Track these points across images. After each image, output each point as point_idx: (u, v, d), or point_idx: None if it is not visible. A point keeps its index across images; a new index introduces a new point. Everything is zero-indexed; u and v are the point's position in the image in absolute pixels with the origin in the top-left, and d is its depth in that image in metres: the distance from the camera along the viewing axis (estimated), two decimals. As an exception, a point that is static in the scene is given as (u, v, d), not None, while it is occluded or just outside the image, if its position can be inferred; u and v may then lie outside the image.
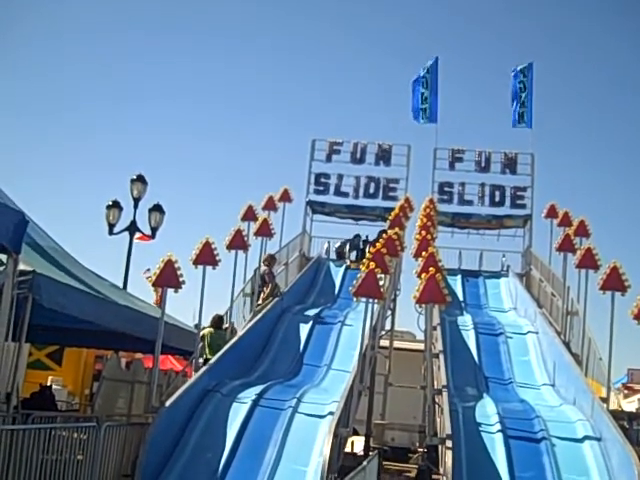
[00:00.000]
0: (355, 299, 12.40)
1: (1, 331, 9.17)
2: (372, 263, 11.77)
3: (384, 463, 19.21)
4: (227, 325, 15.30)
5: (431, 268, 11.73)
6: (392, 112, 49.97)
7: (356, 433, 18.76)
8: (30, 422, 9.46)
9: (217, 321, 15.14)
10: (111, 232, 21.24)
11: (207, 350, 14.53)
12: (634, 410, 17.72)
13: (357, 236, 23.50)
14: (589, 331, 15.00)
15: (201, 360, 13.94)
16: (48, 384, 17.30)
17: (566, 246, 16.31)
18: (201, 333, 14.38)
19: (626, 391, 19.97)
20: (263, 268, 17.32)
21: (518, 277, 21.89)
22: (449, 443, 10.57)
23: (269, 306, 16.86)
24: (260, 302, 17.07)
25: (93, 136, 69.84)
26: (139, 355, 18.84)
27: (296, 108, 78.31)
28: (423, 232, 15.42)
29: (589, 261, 14.46)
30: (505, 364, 16.04)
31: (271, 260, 17.93)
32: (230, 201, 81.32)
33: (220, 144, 76.42)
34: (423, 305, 14.08)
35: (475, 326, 17.57)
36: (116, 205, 21.13)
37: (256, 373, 14.67)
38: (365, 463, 8.32)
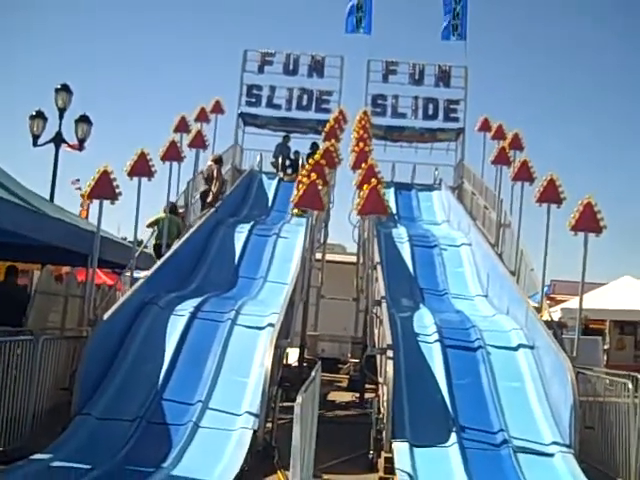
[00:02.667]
0: (294, 212, 12.29)
1: None
2: (313, 174, 11.62)
3: (317, 374, 19.45)
4: (182, 211, 15.76)
5: (372, 180, 11.63)
6: (325, 23, 49.11)
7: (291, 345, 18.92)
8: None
9: (172, 208, 15.68)
10: (35, 144, 20.51)
11: (158, 235, 15.18)
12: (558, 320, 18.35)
13: (286, 137, 23.14)
14: (521, 243, 15.24)
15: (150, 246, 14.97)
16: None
17: (501, 159, 16.39)
18: (154, 218, 15.32)
19: (549, 302, 20.56)
20: (210, 163, 17.83)
21: (451, 190, 22.04)
22: (390, 353, 10.67)
23: (203, 219, 16.67)
24: (209, 200, 17.66)
25: (14, 44, 67.07)
26: (67, 269, 18.44)
27: (228, 16, 76.47)
28: (361, 144, 15.28)
29: (524, 174, 14.57)
30: (440, 276, 16.24)
31: (219, 159, 18.13)
32: (162, 113, 79.69)
33: (151, 53, 74.35)
34: (359, 217, 14.09)
35: (410, 238, 17.68)
36: (40, 115, 20.33)
37: (192, 286, 14.53)
38: (313, 374, 8.32)
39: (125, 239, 17.65)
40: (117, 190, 11.12)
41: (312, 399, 7.32)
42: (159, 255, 14.52)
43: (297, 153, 22.49)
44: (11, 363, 9.33)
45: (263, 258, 16.19)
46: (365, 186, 11.50)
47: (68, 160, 22.53)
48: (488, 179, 18.83)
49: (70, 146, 21.03)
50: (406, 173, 23.77)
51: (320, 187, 11.42)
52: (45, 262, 16.42)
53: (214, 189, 17.69)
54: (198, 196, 17.87)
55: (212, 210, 17.31)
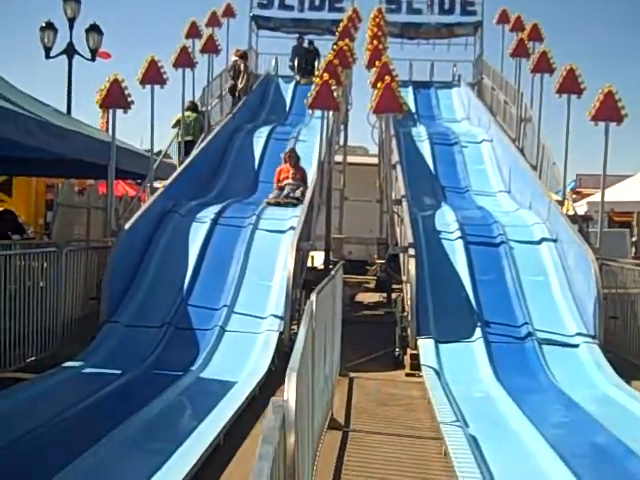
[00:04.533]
0: (310, 112, 12.13)
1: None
2: (326, 74, 11.41)
3: (343, 276, 19.58)
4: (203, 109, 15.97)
5: (386, 77, 11.40)
6: None
7: (315, 249, 19.00)
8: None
9: (192, 105, 15.96)
10: (48, 56, 20.33)
11: (184, 133, 15.52)
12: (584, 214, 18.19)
13: (300, 38, 22.62)
14: (543, 137, 15.01)
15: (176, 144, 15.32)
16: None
17: (520, 51, 16.03)
18: (176, 118, 15.70)
19: (575, 196, 20.35)
20: (235, 59, 18.08)
21: (470, 86, 21.66)
22: (411, 251, 10.67)
23: (219, 126, 16.57)
24: (238, 94, 18.15)
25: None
26: (91, 182, 18.52)
27: None
28: (375, 42, 14.98)
29: (544, 65, 14.24)
30: (461, 173, 16.11)
31: (244, 54, 18.18)
32: (172, 20, 78.31)
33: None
34: (377, 117, 13.91)
35: (429, 137, 17.49)
36: (50, 26, 20.12)
37: (212, 193, 14.54)
38: (333, 272, 8.33)
39: (149, 151, 17.66)
40: (129, 99, 11.01)
41: (332, 299, 7.34)
42: (189, 151, 14.75)
43: (314, 52, 21.96)
44: (36, 276, 9.44)
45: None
46: (379, 84, 11.29)
47: (98, 68, 22.33)
48: (507, 73, 18.48)
49: (101, 55, 20.91)
50: (424, 71, 23.34)
51: (334, 87, 11.23)
52: (69, 176, 16.49)
53: (241, 84, 17.83)
54: (225, 92, 18.43)
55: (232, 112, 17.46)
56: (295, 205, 13.14)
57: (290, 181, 13.79)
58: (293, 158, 14.15)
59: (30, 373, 8.68)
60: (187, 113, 15.90)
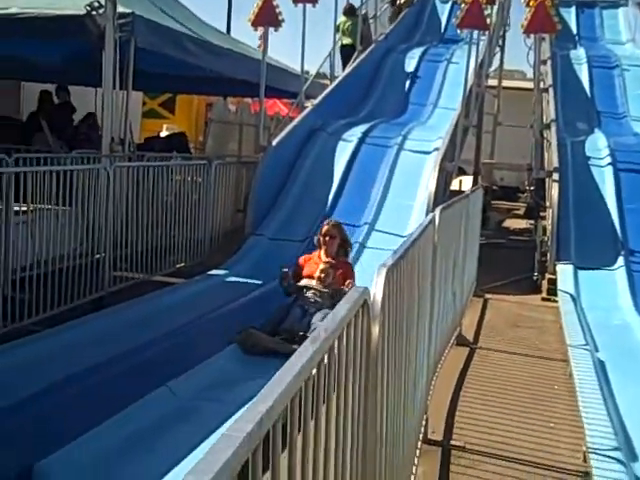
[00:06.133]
0: (459, 32, 11.95)
1: (108, 76, 9.31)
2: (478, -7, 11.19)
3: (493, 202, 19.42)
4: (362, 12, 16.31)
5: (541, -5, 11.07)
6: None
7: (465, 174, 18.88)
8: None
9: (349, 9, 16.11)
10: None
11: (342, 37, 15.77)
12: None
13: None
14: None
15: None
16: (162, 132, 17.84)
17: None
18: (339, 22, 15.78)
19: None
20: None
21: (638, 6, 20.52)
22: (555, 176, 10.50)
23: (371, 47, 16.56)
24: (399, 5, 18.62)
25: None
26: (248, 100, 19.03)
27: None
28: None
29: None
30: (619, 98, 15.46)
31: None
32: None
33: None
34: (532, 37, 13.51)
35: (588, 59, 16.80)
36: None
37: (362, 113, 14.64)
38: (468, 192, 8.36)
39: (307, 72, 17.93)
40: (280, 17, 11.21)
41: (463, 219, 7.37)
42: (347, 58, 14.87)
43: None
44: (192, 189, 9.99)
45: (433, 84, 15.98)
46: (532, 2, 10.98)
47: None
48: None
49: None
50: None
51: (484, 5, 11.02)
52: (226, 94, 17.05)
53: None
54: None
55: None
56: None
57: (314, 285, 6.94)
58: (334, 243, 7.31)
59: (179, 278, 9.29)
60: (343, 18, 15.98)
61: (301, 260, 7.50)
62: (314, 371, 1.79)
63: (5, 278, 6.83)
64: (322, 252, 7.30)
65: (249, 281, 9.31)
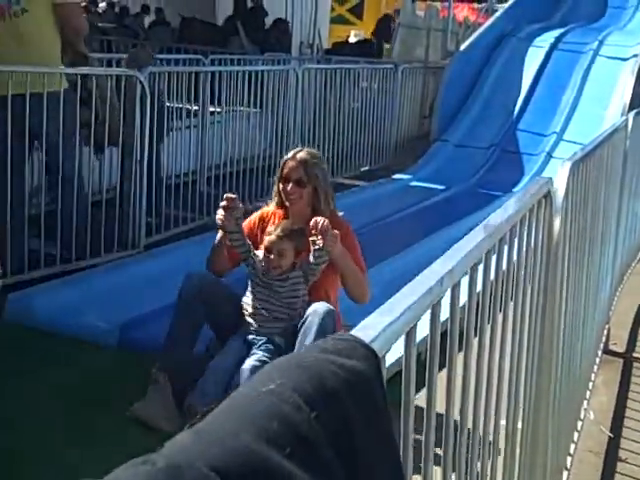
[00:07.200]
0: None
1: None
2: None
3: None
4: None
5: None
6: None
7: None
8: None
9: None
10: None
11: None
12: None
13: None
14: None
15: None
16: (351, 38, 17.88)
17: None
18: None
19: None
20: None
21: None
22: None
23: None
24: None
25: None
26: (436, 4, 18.66)
27: None
28: None
29: None
30: None
31: None
32: None
33: None
34: None
35: None
36: None
37: (555, 17, 14.01)
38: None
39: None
40: None
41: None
42: None
43: None
44: (378, 94, 10.06)
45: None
46: None
47: None
48: None
49: None
50: None
51: None
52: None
53: None
54: None
55: None
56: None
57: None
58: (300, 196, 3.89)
59: (362, 181, 9.47)
60: None
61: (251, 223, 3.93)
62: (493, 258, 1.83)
63: (201, 175, 7.26)
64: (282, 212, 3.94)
65: (432, 186, 9.38)
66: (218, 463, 0.64)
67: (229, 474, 0.64)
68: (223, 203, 3.51)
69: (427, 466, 1.40)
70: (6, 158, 5.00)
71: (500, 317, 1.99)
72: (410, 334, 1.19)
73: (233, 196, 3.54)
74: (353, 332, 0.99)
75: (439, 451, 1.54)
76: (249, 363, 3.44)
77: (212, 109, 7.45)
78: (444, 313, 1.44)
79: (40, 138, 5.23)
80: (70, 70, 5.40)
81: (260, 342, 3.56)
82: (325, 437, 0.76)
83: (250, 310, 3.66)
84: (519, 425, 2.36)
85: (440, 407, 1.49)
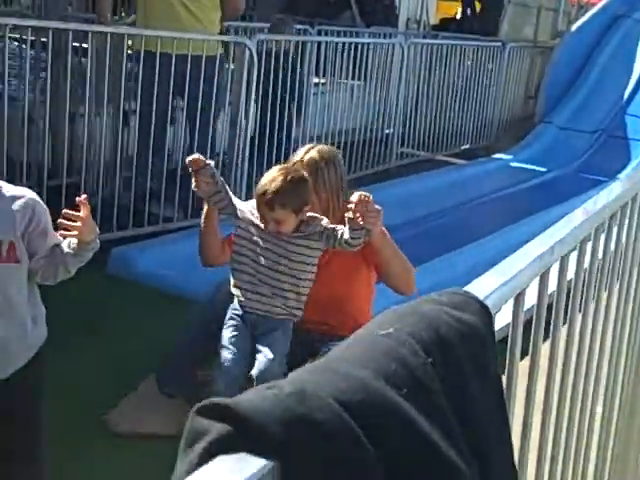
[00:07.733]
0: None
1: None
2: None
3: None
4: None
5: None
6: None
7: None
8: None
9: None
10: None
11: None
12: None
13: None
14: None
15: None
16: (459, 14, 17.58)
17: None
18: None
19: None
20: None
21: None
22: None
23: None
24: None
25: None
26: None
27: None
28: None
29: None
30: None
31: None
32: None
33: None
34: None
35: None
36: None
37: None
38: None
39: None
40: None
41: None
42: None
43: None
44: (482, 73, 9.90)
45: None
46: None
47: None
48: None
49: None
50: None
51: None
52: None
53: None
54: None
55: None
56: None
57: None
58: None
59: (462, 159, 9.37)
60: None
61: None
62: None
63: (302, 145, 7.29)
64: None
65: (533, 167, 9.23)
66: (340, 395, 0.67)
67: (350, 406, 0.67)
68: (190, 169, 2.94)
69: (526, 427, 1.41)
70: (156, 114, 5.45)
71: (604, 295, 1.96)
72: (519, 298, 1.20)
73: (195, 156, 2.94)
74: (466, 288, 1.00)
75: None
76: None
77: (316, 80, 7.49)
78: (551, 286, 1.43)
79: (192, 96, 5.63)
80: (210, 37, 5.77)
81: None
82: (439, 383, 0.78)
83: (246, 278, 3.00)
84: (614, 413, 2.32)
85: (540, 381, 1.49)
